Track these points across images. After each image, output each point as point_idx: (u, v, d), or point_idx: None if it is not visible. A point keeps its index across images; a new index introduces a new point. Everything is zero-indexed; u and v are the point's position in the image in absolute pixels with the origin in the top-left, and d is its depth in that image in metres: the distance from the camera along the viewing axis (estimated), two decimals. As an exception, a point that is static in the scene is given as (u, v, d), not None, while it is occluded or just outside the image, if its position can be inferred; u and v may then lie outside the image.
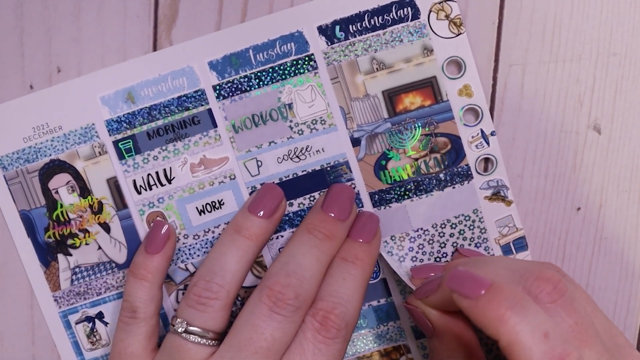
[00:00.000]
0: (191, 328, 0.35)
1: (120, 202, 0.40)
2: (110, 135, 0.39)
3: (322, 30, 0.39)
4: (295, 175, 0.40)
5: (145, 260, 0.38)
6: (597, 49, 0.39)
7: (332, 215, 0.37)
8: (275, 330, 0.34)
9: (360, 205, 0.40)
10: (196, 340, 0.35)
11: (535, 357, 0.27)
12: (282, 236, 0.40)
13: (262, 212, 0.37)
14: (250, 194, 0.40)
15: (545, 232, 0.41)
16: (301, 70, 0.39)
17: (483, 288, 0.29)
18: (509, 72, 0.39)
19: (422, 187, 0.40)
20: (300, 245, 0.36)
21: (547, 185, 0.40)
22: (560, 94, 0.39)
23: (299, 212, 0.40)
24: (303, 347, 0.34)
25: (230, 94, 0.39)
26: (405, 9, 0.38)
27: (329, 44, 0.39)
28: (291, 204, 0.40)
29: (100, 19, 0.39)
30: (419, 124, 0.39)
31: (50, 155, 0.40)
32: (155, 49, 0.39)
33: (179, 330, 0.36)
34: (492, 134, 0.39)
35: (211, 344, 0.36)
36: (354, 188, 0.40)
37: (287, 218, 0.40)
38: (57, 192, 0.40)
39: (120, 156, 0.40)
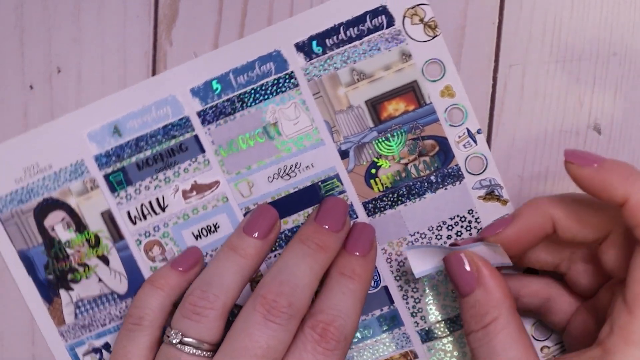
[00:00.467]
0: (186, 339, 0.35)
1: (116, 234, 0.40)
2: (100, 169, 0.40)
3: (300, 46, 0.39)
4: (287, 193, 0.40)
5: (168, 273, 0.38)
6: (597, 49, 0.39)
7: (326, 227, 0.37)
8: (270, 339, 0.34)
9: (355, 216, 0.40)
10: (191, 352, 0.35)
11: None
12: (279, 254, 0.40)
13: (256, 234, 0.37)
14: (245, 215, 0.40)
15: (543, 227, 0.40)
16: (283, 89, 0.39)
17: (603, 160, 0.31)
18: (509, 72, 0.39)
19: (414, 191, 0.40)
20: (294, 254, 0.36)
21: (547, 185, 0.40)
22: (560, 94, 0.39)
23: (294, 229, 0.40)
24: (302, 358, 0.34)
25: (215, 118, 0.39)
26: (379, 17, 0.38)
27: (308, 59, 0.39)
28: (286, 222, 0.40)
29: (100, 19, 0.40)
30: (405, 129, 0.39)
31: (43, 194, 0.40)
32: (155, 49, 0.40)
33: (174, 341, 0.36)
34: (479, 132, 0.39)
35: (206, 355, 0.36)
36: (347, 199, 0.40)
37: (282, 236, 0.40)
38: (53, 230, 0.40)
39: (112, 189, 0.40)
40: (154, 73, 0.40)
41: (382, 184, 0.40)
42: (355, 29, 0.39)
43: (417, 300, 0.41)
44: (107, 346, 0.42)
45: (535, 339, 0.41)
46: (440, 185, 0.40)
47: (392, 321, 0.41)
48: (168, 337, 0.36)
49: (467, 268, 0.35)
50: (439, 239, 0.40)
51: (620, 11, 0.39)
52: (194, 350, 0.35)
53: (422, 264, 0.38)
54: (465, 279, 0.35)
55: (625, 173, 0.31)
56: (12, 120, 0.40)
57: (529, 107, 0.39)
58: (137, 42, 0.40)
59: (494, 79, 0.39)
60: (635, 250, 0.31)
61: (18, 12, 0.40)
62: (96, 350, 0.42)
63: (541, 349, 0.41)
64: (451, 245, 0.39)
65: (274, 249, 0.40)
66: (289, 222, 0.40)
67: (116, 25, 0.40)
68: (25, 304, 0.41)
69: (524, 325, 0.34)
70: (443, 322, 0.41)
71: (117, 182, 0.40)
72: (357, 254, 0.37)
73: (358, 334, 0.41)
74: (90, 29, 0.40)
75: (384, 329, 0.41)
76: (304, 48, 0.39)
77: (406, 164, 0.40)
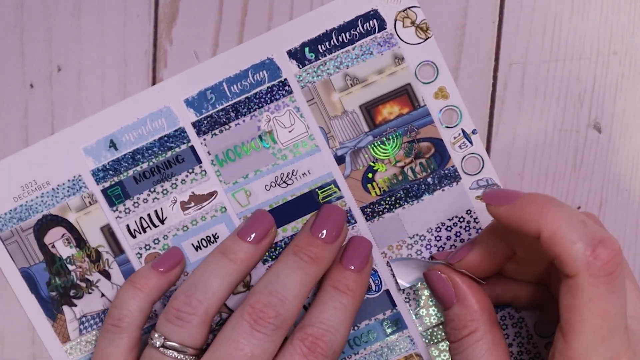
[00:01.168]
0: (169, 343, 0.36)
1: (117, 248, 0.40)
2: (97, 184, 0.40)
3: (292, 53, 0.39)
4: (285, 201, 0.40)
5: (148, 273, 0.38)
6: (597, 48, 0.39)
7: (322, 236, 0.37)
8: (255, 348, 0.35)
9: (354, 221, 0.40)
10: (174, 356, 0.36)
11: (577, 241, 0.29)
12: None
13: (250, 238, 0.37)
14: (244, 223, 0.40)
15: (544, 227, 0.40)
16: (277, 97, 0.39)
17: (518, 196, 0.31)
18: (509, 71, 0.39)
19: (411, 194, 0.40)
20: (286, 265, 0.36)
21: (547, 184, 0.40)
22: (560, 93, 0.39)
23: (293, 237, 0.40)
24: None
25: (210, 128, 0.39)
26: (370, 22, 0.39)
27: (301, 66, 0.39)
28: (285, 230, 0.40)
29: (100, 19, 0.40)
30: (400, 132, 0.39)
31: (42, 211, 0.40)
32: (155, 48, 0.40)
33: (157, 344, 0.36)
34: (474, 132, 0.39)
35: (189, 359, 0.36)
36: (345, 205, 0.40)
37: (282, 244, 0.40)
38: (53, 247, 0.40)
39: (111, 203, 0.40)
40: (154, 72, 0.40)
41: (380, 188, 0.40)
42: (347, 34, 0.39)
43: (419, 303, 0.41)
44: (111, 360, 0.41)
45: (540, 336, 0.41)
46: (438, 187, 0.40)
47: (396, 324, 0.41)
48: (152, 339, 0.36)
49: (446, 284, 0.36)
50: (438, 241, 0.40)
51: (620, 10, 0.39)
52: (177, 355, 0.36)
53: (407, 276, 0.39)
54: (443, 294, 0.36)
55: (537, 207, 0.30)
56: (12, 119, 0.40)
57: (529, 105, 0.39)
58: (137, 41, 0.40)
59: (494, 77, 0.39)
60: (562, 279, 0.30)
61: (18, 12, 0.40)
62: (101, 365, 0.42)
63: (545, 346, 0.41)
64: (431, 257, 0.39)
65: (271, 257, 0.40)
66: (288, 229, 0.40)
67: (116, 24, 0.40)
68: (28, 317, 0.41)
69: (503, 338, 0.35)
70: (446, 324, 0.41)
71: (115, 196, 0.40)
72: (352, 268, 0.37)
73: (363, 339, 0.41)
74: (90, 28, 0.40)
75: (388, 332, 0.41)
76: (296, 55, 0.39)
77: (403, 167, 0.40)
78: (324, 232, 0.37)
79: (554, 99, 0.39)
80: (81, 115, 0.40)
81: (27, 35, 0.40)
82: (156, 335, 0.36)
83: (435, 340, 0.41)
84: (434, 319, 0.41)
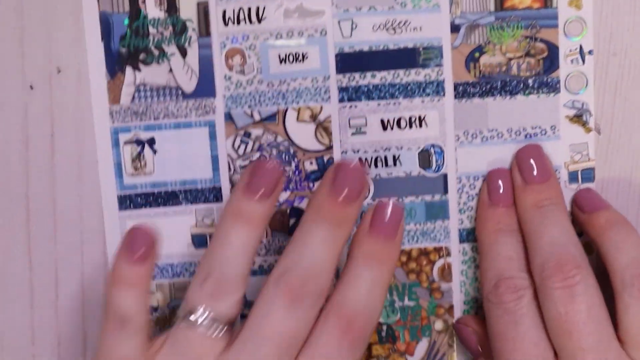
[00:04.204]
0: (201, 319, 0.33)
1: (204, 29, 0.39)
2: (214, -45, 0.38)
3: None
4: (385, 48, 0.39)
5: (132, 267, 0.34)
6: (597, 49, 0.39)
7: (344, 195, 0.34)
8: (293, 324, 0.32)
9: (442, 93, 0.39)
10: (209, 333, 0.32)
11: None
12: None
13: (259, 194, 0.34)
14: (337, 58, 0.39)
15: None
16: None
17: (597, 209, 0.38)
18: None
19: (507, 88, 0.39)
20: (313, 233, 0.34)
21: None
22: None
23: (379, 86, 0.39)
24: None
25: (346, -55, 0.38)
26: None
27: None
28: (374, 76, 0.39)
29: None
30: (523, 25, 0.39)
31: (148, -40, 0.38)
32: None
33: (192, 319, 0.33)
34: (590, 52, 0.39)
35: (222, 335, 0.33)
36: (441, 74, 0.39)
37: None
38: (144, 2, 0.38)
39: (218, -19, 0.38)
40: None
41: (480, 71, 0.39)
42: None
43: (470, 198, 0.40)
44: (152, 141, 0.40)
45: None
46: (534, 91, 0.39)
47: (440, 211, 0.40)
48: (183, 317, 0.33)
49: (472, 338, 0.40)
50: (515, 144, 0.39)
51: (620, 11, 0.39)
52: (212, 331, 0.33)
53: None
54: (470, 347, 0.40)
55: (602, 227, 0.37)
56: (12, 120, 0.40)
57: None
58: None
59: None
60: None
61: (18, 12, 0.39)
62: (139, 142, 0.40)
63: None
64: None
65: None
66: (377, 77, 0.39)
67: (117, 24, 0.39)
68: (26, 301, 0.40)
69: None
70: (487, 228, 0.40)
71: (227, -25, 0.38)
72: (382, 237, 0.35)
73: (400, 214, 0.40)
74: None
75: (428, 216, 0.40)
76: None
77: (510, 59, 0.39)
78: (346, 190, 0.34)
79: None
80: (81, 116, 0.39)
81: (27, 36, 0.39)
82: (188, 310, 0.33)
83: (470, 240, 0.40)
84: (473, 220, 0.40)
